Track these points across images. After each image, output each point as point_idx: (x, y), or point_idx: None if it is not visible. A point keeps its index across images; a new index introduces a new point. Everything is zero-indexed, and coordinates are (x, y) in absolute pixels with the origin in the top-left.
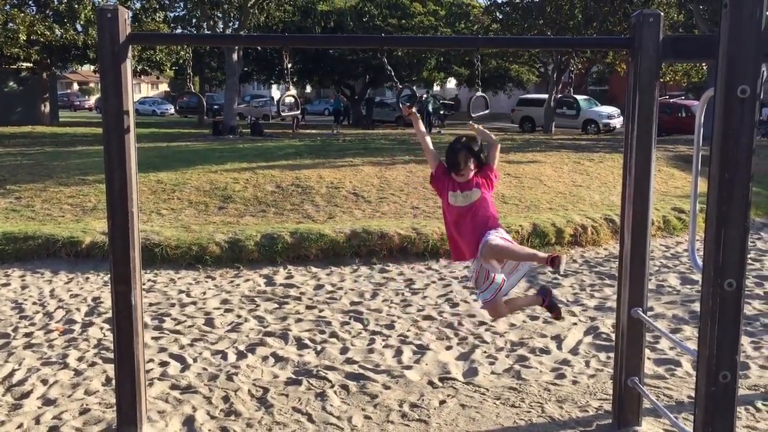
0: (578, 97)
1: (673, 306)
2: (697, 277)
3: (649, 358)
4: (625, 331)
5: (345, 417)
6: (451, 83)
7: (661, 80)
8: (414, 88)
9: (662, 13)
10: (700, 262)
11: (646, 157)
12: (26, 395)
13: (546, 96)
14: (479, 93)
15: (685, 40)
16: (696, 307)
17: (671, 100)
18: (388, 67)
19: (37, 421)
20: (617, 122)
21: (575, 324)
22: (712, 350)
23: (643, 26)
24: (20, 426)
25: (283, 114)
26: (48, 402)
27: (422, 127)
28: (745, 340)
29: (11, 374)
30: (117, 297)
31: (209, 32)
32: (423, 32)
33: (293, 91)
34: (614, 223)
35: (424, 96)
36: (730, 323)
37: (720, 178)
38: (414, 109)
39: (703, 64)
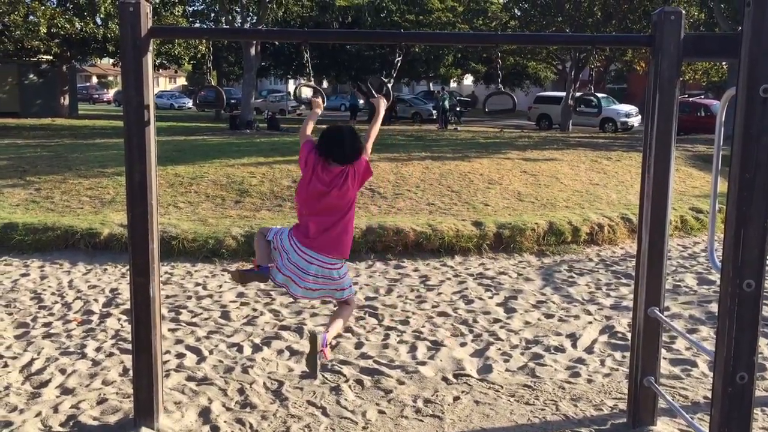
0: (597, 95)
1: (689, 306)
2: (714, 277)
3: (664, 358)
4: (641, 331)
5: (359, 411)
6: (468, 80)
7: (681, 79)
8: (429, 86)
9: (683, 11)
10: (718, 262)
11: (666, 156)
12: (45, 384)
13: (563, 94)
14: (501, 90)
15: (706, 38)
16: (713, 307)
17: (690, 99)
18: (398, 60)
19: (56, 410)
20: (635, 120)
21: (590, 323)
22: (729, 351)
23: (664, 24)
24: (38, 414)
25: (303, 99)
26: (66, 391)
27: (379, 124)
28: (761, 342)
29: (30, 363)
30: (136, 288)
31: (228, 27)
32: (440, 28)
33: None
34: (631, 222)
35: (440, 92)
36: (748, 324)
37: (740, 178)
38: (383, 100)
39: (723, 63)
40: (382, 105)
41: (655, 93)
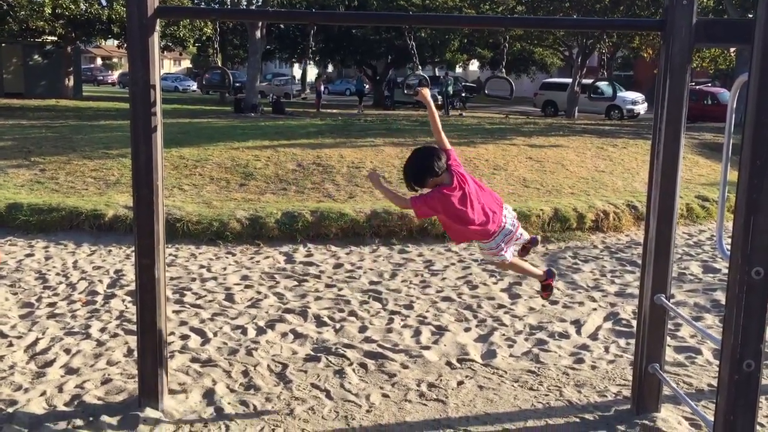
0: (602, 83)
1: (694, 294)
2: (720, 265)
3: (668, 346)
4: (647, 318)
5: (363, 394)
6: (474, 65)
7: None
8: (434, 71)
9: None
10: (727, 249)
11: (675, 142)
12: (49, 364)
13: (569, 80)
14: (501, 75)
15: (719, 23)
16: (717, 295)
17: (697, 87)
18: (412, 43)
19: (60, 389)
20: (641, 108)
21: (595, 309)
22: (736, 338)
23: (676, 8)
24: (43, 394)
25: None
26: (71, 371)
27: (435, 111)
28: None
29: (35, 343)
30: (141, 270)
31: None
32: (447, 12)
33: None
34: (636, 209)
35: (444, 78)
36: (755, 312)
37: (751, 165)
38: (428, 93)
39: (732, 50)
40: (427, 95)
41: (666, 78)
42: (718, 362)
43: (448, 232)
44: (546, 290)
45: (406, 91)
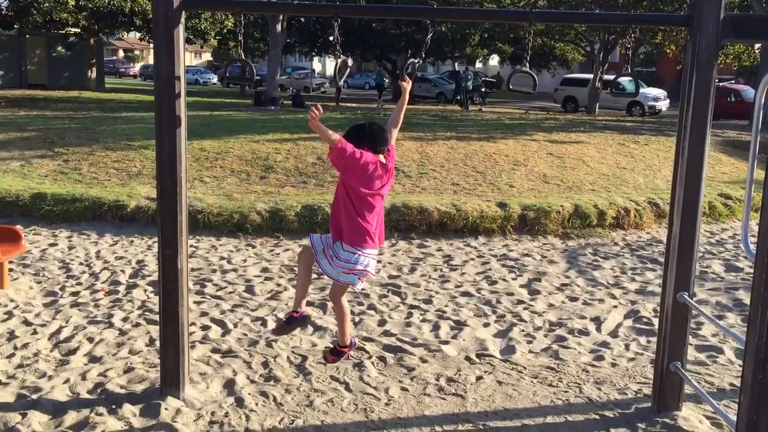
0: (624, 78)
1: (716, 293)
2: (742, 264)
3: (689, 344)
4: (669, 315)
5: (382, 388)
6: (494, 60)
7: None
8: (455, 66)
9: None
10: (752, 247)
11: (701, 139)
12: (73, 352)
13: (590, 76)
14: (525, 69)
15: (747, 19)
16: (740, 294)
17: (721, 84)
18: (428, 38)
19: (83, 377)
20: (663, 105)
21: (615, 307)
22: (761, 337)
23: (703, 3)
24: (67, 381)
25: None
26: (94, 359)
27: (405, 106)
28: None
29: (59, 331)
30: (164, 260)
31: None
32: (468, 7)
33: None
34: (658, 206)
35: (463, 72)
36: None
37: None
38: (408, 83)
39: (757, 47)
40: (407, 89)
41: (692, 74)
42: (740, 361)
43: (338, 210)
44: (334, 354)
45: (404, 68)
